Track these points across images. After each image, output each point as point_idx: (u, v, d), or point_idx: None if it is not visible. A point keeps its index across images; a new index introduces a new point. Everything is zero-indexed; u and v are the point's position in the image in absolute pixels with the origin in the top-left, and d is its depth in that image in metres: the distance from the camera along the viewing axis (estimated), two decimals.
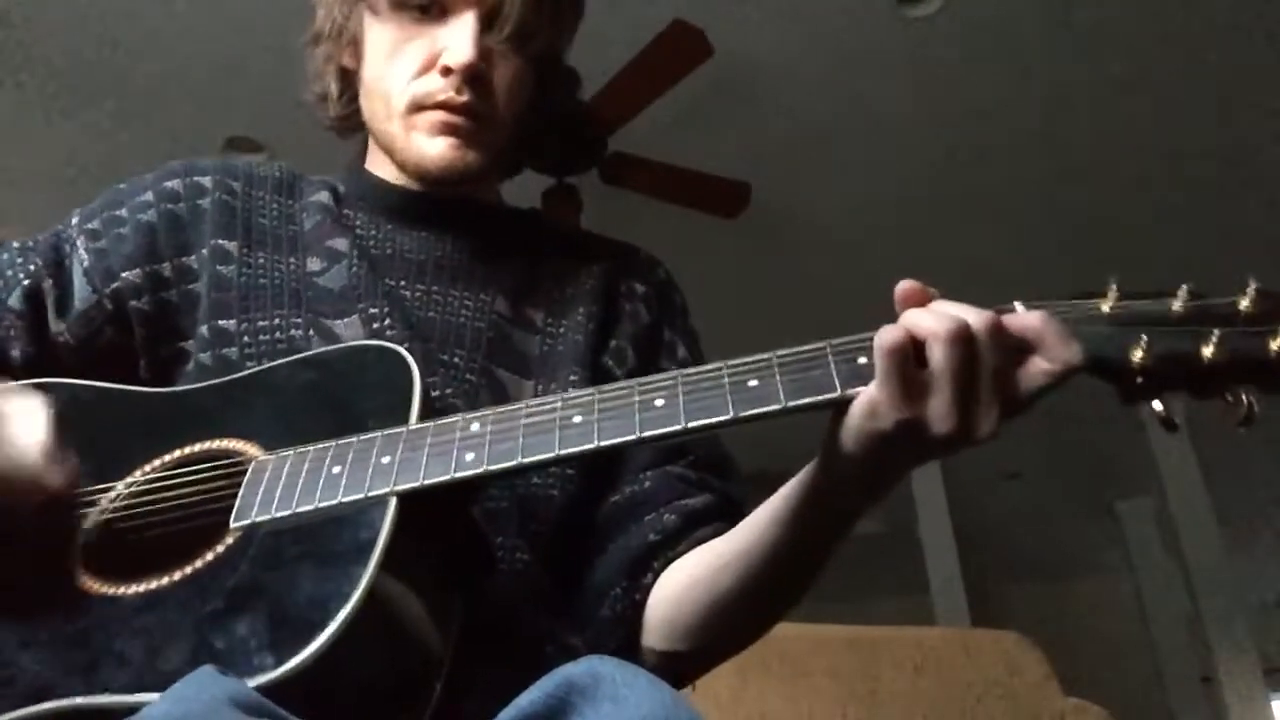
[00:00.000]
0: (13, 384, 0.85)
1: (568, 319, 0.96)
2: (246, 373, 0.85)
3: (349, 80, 1.01)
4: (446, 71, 0.92)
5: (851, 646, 2.14)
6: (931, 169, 4.00)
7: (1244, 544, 6.27)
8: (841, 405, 0.67)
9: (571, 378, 0.91)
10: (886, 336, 0.64)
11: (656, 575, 0.86)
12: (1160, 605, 6.37)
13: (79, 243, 0.95)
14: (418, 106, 0.94)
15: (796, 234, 4.27)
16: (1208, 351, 0.62)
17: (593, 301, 0.97)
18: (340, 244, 0.96)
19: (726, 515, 0.90)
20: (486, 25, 0.93)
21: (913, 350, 0.64)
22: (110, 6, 3.17)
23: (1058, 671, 2.16)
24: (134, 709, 0.58)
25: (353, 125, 1.04)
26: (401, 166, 0.97)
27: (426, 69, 0.94)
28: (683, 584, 0.84)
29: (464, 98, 0.92)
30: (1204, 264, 4.44)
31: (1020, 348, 0.65)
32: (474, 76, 0.92)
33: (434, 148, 0.93)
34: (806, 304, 4.63)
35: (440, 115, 0.93)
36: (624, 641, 0.85)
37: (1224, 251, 4.38)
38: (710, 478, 0.92)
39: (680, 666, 0.85)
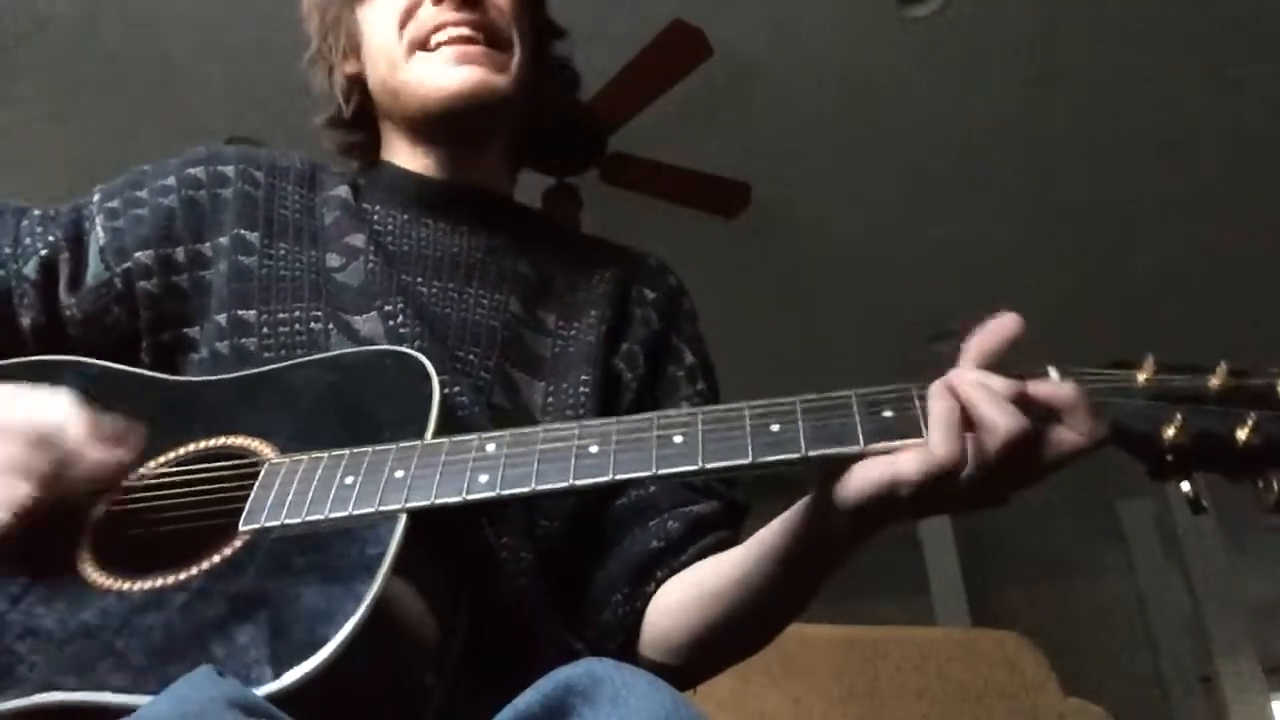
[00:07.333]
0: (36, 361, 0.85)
1: (579, 321, 0.95)
2: (265, 369, 0.84)
3: (355, 84, 1.01)
4: (436, 0, 0.92)
5: (851, 646, 2.14)
6: (931, 169, 3.99)
7: (1244, 544, 6.26)
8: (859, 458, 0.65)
9: (583, 378, 0.91)
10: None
11: (660, 584, 0.86)
12: (1160, 605, 6.36)
13: (97, 220, 0.95)
14: (420, 44, 0.94)
15: (796, 234, 4.27)
16: (1242, 435, 0.60)
17: (605, 305, 0.97)
18: (358, 240, 0.95)
19: (731, 522, 0.90)
20: None
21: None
22: (111, 7, 3.17)
23: (1058, 671, 2.16)
24: (130, 708, 0.58)
25: (361, 146, 1.04)
26: (421, 107, 0.96)
27: (415, 6, 0.94)
28: (678, 604, 0.84)
29: (465, 13, 0.92)
30: (1203, 259, 4.44)
31: (1047, 417, 0.63)
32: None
33: (456, 74, 0.93)
34: (806, 304, 4.64)
35: (452, 48, 0.93)
36: (622, 646, 0.86)
37: (1223, 244, 4.38)
38: (716, 483, 0.91)
39: (674, 678, 0.85)
